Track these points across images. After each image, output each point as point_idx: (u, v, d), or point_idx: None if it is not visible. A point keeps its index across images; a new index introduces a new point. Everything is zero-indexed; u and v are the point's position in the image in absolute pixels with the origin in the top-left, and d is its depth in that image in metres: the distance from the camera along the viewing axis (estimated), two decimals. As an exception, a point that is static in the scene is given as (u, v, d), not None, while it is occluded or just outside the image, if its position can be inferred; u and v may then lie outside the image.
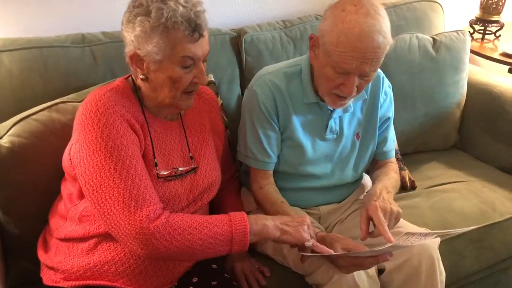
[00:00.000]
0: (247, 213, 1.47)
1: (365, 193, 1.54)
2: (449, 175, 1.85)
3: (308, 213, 1.48)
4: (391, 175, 1.44)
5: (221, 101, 1.63)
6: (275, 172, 1.43)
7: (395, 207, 1.26)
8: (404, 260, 1.30)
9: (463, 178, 1.82)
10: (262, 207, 1.40)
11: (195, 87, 1.20)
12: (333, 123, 1.41)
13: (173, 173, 1.21)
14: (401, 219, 1.43)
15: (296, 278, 1.36)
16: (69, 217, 1.21)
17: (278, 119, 1.37)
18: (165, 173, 1.19)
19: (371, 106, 1.45)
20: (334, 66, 1.21)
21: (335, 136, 1.42)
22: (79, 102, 1.31)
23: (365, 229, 1.23)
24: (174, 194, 1.20)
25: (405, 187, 1.77)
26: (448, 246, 1.52)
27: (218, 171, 1.35)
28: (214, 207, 1.46)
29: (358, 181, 1.55)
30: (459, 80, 1.94)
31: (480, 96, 1.97)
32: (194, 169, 1.27)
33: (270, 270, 1.38)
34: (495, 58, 2.11)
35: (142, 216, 1.05)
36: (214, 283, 1.21)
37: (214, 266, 1.32)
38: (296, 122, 1.38)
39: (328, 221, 1.51)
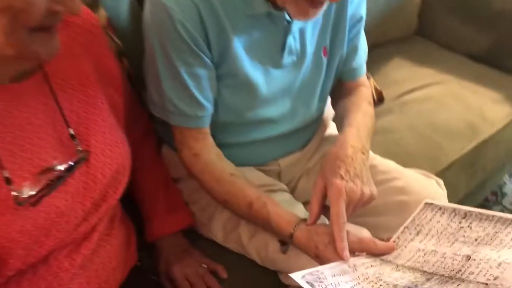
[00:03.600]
0: (176, 181, 1.02)
1: (327, 132, 1.11)
2: (418, 75, 1.47)
3: (264, 170, 1.03)
4: (365, 109, 0.99)
5: (106, 15, 1.04)
6: (213, 124, 0.93)
7: (369, 187, 0.83)
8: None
9: (436, 78, 1.45)
10: (201, 184, 0.93)
11: (56, 18, 0.62)
12: (292, 40, 0.91)
13: (47, 183, 0.68)
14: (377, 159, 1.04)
15: (264, 275, 0.95)
16: None
17: (209, 47, 0.84)
18: (31, 192, 0.65)
19: (339, 4, 0.95)
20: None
21: (295, 58, 0.93)
22: None
23: (317, 212, 0.82)
24: (52, 220, 0.68)
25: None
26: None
27: (124, 145, 0.83)
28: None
29: (322, 114, 1.10)
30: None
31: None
32: (84, 158, 0.75)
33: (227, 266, 0.96)
34: None
35: None
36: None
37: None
38: (238, 46, 0.86)
39: (290, 176, 1.08)
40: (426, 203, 0.83)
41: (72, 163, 0.72)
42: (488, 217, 0.74)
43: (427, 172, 1.04)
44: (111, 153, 0.79)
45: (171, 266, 0.94)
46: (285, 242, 0.86)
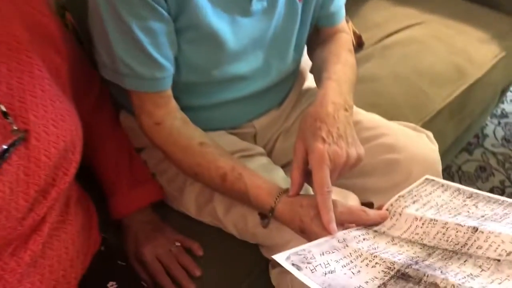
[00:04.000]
0: (139, 150, 0.91)
1: (306, 85, 1.00)
2: (400, 16, 1.35)
3: (237, 134, 0.93)
4: (344, 59, 0.87)
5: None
6: (175, 85, 0.81)
7: (355, 148, 0.72)
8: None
9: (419, 18, 1.33)
10: (166, 155, 0.82)
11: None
12: (262, -17, 0.78)
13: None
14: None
15: (244, 250, 0.86)
16: None
17: (164, -5, 0.71)
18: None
19: None
20: None
21: (265, 4, 0.81)
22: None
23: (299, 182, 0.72)
24: None
25: (350, 47, 1.24)
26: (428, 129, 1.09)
27: (72, 118, 0.71)
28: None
29: (298, 67, 0.98)
30: None
31: None
32: (22, 138, 0.62)
33: (203, 242, 0.87)
34: None
35: None
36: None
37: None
38: (199, -7, 0.73)
39: (267, 138, 0.98)
40: (426, 179, 0.74)
41: (6, 147, 0.60)
42: (497, 201, 0.66)
43: (416, 126, 0.95)
44: (56, 129, 0.66)
45: (140, 247, 0.85)
46: (266, 215, 0.77)
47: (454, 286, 0.52)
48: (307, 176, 0.72)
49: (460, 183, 1.60)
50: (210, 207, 0.86)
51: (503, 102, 1.86)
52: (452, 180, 1.60)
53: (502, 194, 1.60)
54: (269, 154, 0.97)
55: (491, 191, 1.60)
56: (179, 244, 0.86)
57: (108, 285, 0.73)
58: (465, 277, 0.53)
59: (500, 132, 1.78)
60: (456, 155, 1.62)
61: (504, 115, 1.83)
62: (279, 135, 0.98)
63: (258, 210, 0.77)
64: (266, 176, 0.79)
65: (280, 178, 0.83)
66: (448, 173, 1.62)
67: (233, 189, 0.76)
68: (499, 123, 1.81)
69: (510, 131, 1.78)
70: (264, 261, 0.86)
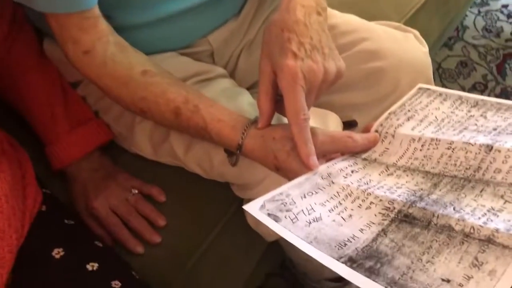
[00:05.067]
0: (75, 85, 0.77)
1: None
2: None
3: (190, 54, 0.78)
4: None
5: None
6: (103, 1, 0.64)
7: (333, 61, 0.58)
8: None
9: None
10: (104, 91, 0.66)
11: None
12: None
13: None
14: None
15: (213, 190, 0.75)
16: None
17: None
18: None
19: None
20: None
21: None
22: None
23: (268, 110, 0.59)
24: None
25: None
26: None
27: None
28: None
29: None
30: None
31: None
32: None
33: (164, 186, 0.75)
34: None
35: None
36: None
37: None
38: None
39: (226, 55, 0.82)
40: (420, 88, 0.61)
41: None
42: (510, 107, 0.54)
43: (400, 25, 0.80)
44: None
45: (91, 200, 0.72)
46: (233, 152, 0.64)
47: (474, 229, 0.41)
48: (278, 102, 0.59)
49: (441, 82, 1.51)
50: (167, 146, 0.72)
51: (482, -13, 1.71)
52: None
53: (485, 89, 1.50)
54: (232, 75, 0.82)
55: (474, 87, 1.51)
56: (136, 191, 0.74)
57: (53, 252, 0.61)
58: (485, 213, 0.42)
59: (480, 22, 1.65)
60: (435, 52, 1.50)
61: (484, 2, 1.69)
62: (241, 51, 0.83)
63: (223, 147, 0.64)
64: (230, 104, 0.65)
65: (247, 104, 0.69)
66: (428, 73, 1.51)
67: (189, 126, 0.62)
68: (479, 12, 1.67)
69: (492, 20, 1.65)
70: (239, 199, 0.75)
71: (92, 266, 0.60)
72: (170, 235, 0.71)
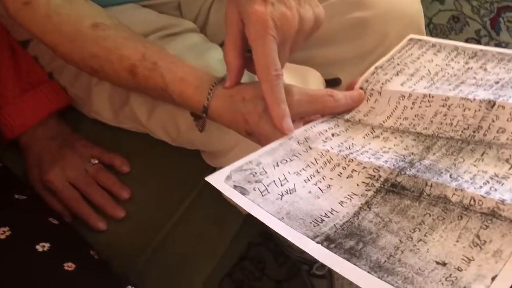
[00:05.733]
0: (24, 44, 0.70)
1: None
2: None
3: (154, 6, 0.69)
4: None
5: None
6: None
7: (310, 7, 0.49)
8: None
9: None
10: (50, 48, 0.58)
11: None
12: None
13: None
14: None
15: (181, 158, 0.67)
16: None
17: None
18: None
19: None
20: None
21: None
22: None
23: (236, 66, 0.51)
24: None
25: None
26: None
27: None
28: None
29: None
30: None
31: None
32: None
33: (127, 154, 0.67)
34: None
35: None
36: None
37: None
38: None
39: (196, 7, 0.73)
40: (410, 39, 0.54)
41: None
42: None
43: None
44: None
45: (46, 172, 0.65)
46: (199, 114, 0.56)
47: (474, 200, 0.34)
48: (249, 58, 0.51)
49: (432, 38, 1.43)
50: (128, 110, 0.65)
51: None
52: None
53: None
54: (202, 29, 0.74)
55: (466, 43, 1.43)
56: (96, 161, 0.66)
57: (-1, 232, 0.54)
58: (487, 181, 0.36)
59: (474, -26, 1.55)
60: (426, 7, 1.42)
61: (478, -48, 1.60)
62: (212, 2, 0.74)
63: (188, 110, 0.57)
64: (198, 61, 0.57)
65: (216, 61, 0.61)
66: (418, 28, 1.43)
67: (148, 87, 0.54)
68: (473, -37, 1.58)
69: (486, -30, 1.56)
70: (211, 167, 0.68)
71: (42, 246, 0.54)
72: (135, 208, 0.64)
